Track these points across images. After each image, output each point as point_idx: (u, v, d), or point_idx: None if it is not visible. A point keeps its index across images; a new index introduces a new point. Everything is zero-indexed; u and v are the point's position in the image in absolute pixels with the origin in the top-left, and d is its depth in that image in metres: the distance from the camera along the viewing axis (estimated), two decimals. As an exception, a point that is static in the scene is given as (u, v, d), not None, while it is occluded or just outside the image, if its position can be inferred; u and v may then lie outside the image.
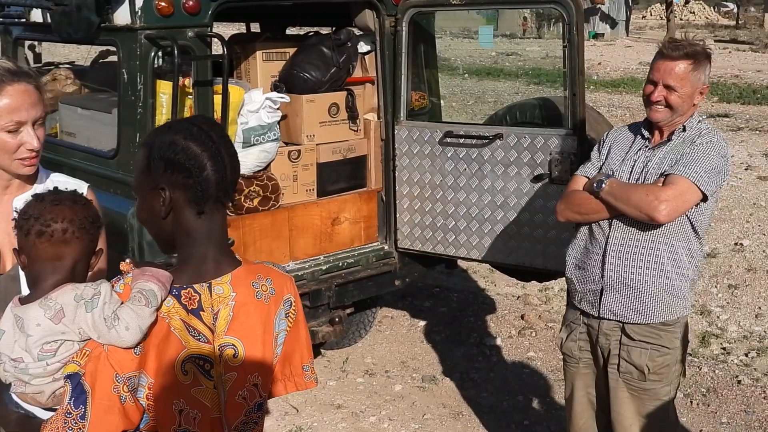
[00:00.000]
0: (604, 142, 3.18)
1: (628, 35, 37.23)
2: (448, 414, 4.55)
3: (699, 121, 3.01)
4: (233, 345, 1.70)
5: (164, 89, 3.62)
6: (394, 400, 4.69)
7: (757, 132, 11.85)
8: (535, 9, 26.55)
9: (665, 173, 2.91)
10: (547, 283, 5.69)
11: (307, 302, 4.13)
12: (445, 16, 18.21)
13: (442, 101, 5.42)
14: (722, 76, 19.50)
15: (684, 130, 2.97)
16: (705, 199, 2.91)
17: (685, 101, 2.91)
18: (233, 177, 1.73)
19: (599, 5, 35.88)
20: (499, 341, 5.51)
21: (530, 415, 4.57)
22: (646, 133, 3.04)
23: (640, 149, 3.04)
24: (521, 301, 6.22)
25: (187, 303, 1.66)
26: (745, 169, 9.36)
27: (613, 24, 39.34)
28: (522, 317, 5.86)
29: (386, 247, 4.64)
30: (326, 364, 5.10)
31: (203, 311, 1.67)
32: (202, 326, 1.67)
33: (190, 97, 3.71)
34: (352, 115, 4.50)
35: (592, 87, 17.27)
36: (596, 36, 36.41)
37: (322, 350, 5.19)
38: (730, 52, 28.38)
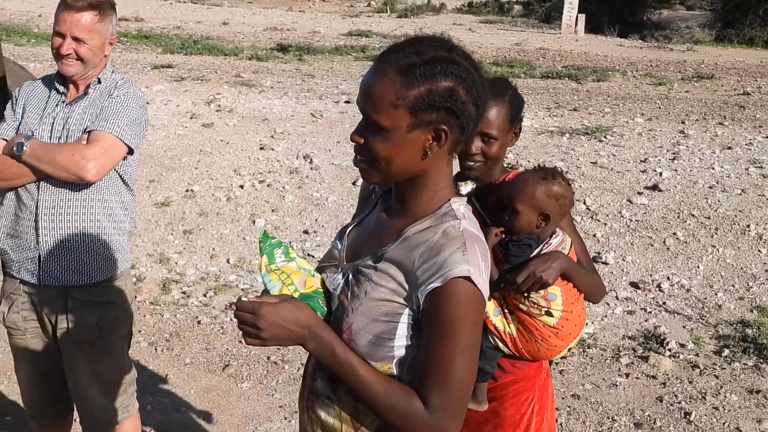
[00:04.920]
0: (17, 99, 2.96)
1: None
2: None
3: (113, 72, 2.99)
4: None
5: None
6: None
7: (199, 81, 12.42)
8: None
9: (88, 130, 2.84)
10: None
11: None
12: None
13: None
14: (165, 27, 19.99)
15: (99, 82, 2.92)
16: (131, 151, 2.92)
17: (96, 53, 2.86)
18: None
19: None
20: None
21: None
22: (61, 88, 2.92)
23: (57, 105, 2.90)
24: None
25: None
26: (191, 118, 9.75)
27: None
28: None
29: None
30: None
31: None
32: None
33: None
34: None
35: (33, 40, 16.29)
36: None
37: None
38: (171, 3, 29.20)
